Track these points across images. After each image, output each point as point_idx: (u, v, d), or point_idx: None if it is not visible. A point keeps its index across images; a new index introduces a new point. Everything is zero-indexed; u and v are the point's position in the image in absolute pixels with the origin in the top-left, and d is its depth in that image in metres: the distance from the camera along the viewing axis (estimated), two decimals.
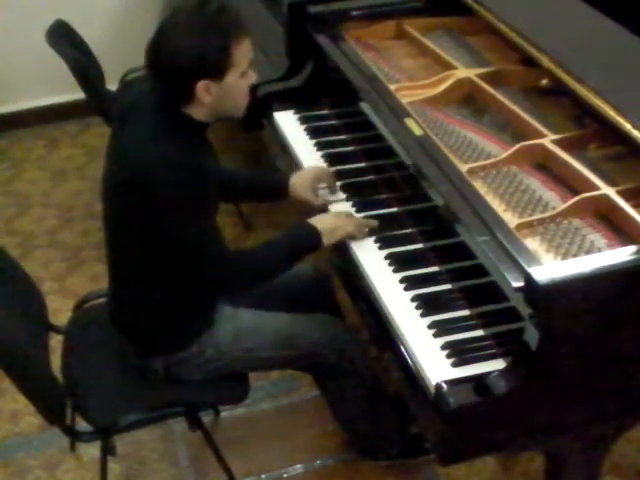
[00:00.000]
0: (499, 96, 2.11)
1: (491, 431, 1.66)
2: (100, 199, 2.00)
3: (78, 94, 3.09)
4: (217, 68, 1.80)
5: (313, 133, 2.47)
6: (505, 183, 1.90)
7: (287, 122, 2.53)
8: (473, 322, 1.82)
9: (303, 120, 2.53)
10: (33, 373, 1.92)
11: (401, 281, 1.94)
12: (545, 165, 1.94)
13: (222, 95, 1.83)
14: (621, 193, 1.77)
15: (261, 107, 2.57)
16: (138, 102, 1.93)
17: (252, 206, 3.40)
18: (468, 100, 2.19)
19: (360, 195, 2.23)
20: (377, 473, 2.42)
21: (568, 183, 1.87)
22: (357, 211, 2.17)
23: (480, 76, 2.18)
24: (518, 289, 1.58)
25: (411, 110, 2.08)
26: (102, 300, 2.23)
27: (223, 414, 2.62)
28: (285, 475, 2.46)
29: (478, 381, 1.61)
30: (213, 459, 2.27)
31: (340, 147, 2.42)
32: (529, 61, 2.17)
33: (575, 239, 1.73)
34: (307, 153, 2.40)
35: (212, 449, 2.24)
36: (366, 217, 2.13)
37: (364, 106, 2.27)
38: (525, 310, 1.57)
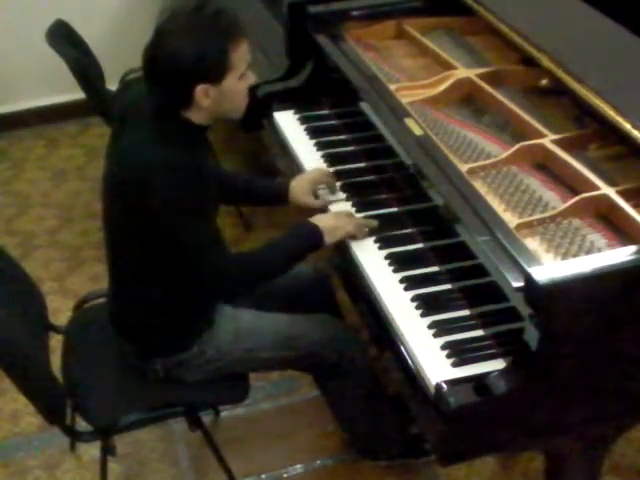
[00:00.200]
0: (499, 96, 2.11)
1: (491, 431, 1.66)
2: (100, 199, 2.00)
3: (78, 94, 3.09)
4: (216, 71, 1.79)
5: (313, 133, 2.47)
6: (505, 183, 1.90)
7: (287, 122, 2.53)
8: (473, 322, 1.81)
9: (303, 120, 2.53)
10: (33, 373, 1.92)
11: (401, 281, 1.94)
12: (545, 165, 1.94)
13: (221, 98, 1.83)
14: (621, 193, 1.77)
15: (261, 107, 2.57)
16: (138, 103, 1.92)
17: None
18: (468, 100, 2.19)
19: (360, 195, 2.23)
20: (377, 473, 2.42)
21: (568, 183, 1.87)
22: (357, 211, 2.17)
23: (480, 76, 2.18)
24: (518, 289, 1.58)
25: (411, 110, 2.08)
26: (102, 300, 2.24)
27: (223, 414, 2.62)
28: (285, 475, 2.46)
29: (478, 381, 1.60)
30: (213, 459, 2.27)
31: (340, 147, 2.42)
32: (529, 61, 2.17)
33: (575, 239, 1.73)
34: (307, 153, 2.40)
35: (212, 449, 2.24)
36: (366, 217, 2.13)
37: (364, 106, 2.27)
38: (525, 310, 1.57)
